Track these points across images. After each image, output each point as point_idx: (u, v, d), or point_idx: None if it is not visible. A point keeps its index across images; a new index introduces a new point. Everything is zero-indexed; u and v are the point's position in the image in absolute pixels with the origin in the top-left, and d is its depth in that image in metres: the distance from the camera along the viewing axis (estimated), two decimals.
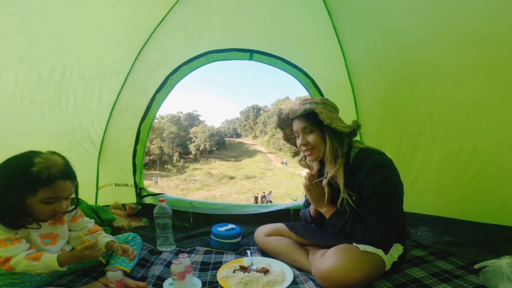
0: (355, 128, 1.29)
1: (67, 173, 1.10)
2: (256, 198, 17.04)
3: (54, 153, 1.12)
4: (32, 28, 1.50)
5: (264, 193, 19.06)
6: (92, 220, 1.37)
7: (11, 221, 1.05)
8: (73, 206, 1.23)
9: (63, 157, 1.13)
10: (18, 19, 1.42)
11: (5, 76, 1.58)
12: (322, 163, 1.44)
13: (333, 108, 1.37)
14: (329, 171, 1.32)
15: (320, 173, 1.45)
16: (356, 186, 1.25)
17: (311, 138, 1.32)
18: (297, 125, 1.36)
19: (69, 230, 1.28)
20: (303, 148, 1.36)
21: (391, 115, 1.87)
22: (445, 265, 1.37)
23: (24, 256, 1.03)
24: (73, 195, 1.17)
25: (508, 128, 1.33)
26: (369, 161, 1.24)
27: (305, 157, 1.45)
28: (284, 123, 1.48)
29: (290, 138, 1.53)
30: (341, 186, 1.28)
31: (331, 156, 1.29)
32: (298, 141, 1.38)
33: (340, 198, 1.30)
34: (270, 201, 16.45)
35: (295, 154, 35.69)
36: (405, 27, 1.63)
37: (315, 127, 1.30)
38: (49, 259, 1.05)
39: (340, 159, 1.29)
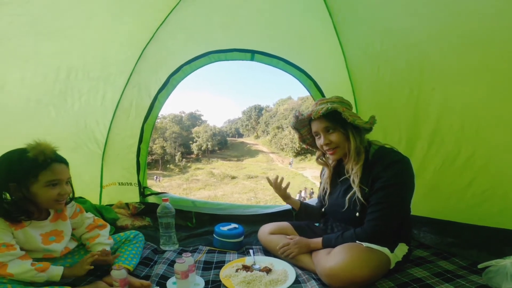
0: (374, 123, 1.30)
1: (59, 156, 1.14)
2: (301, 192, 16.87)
3: (40, 141, 1.11)
4: (38, 29, 1.51)
5: (305, 188, 18.37)
6: (91, 216, 1.36)
7: (16, 215, 1.05)
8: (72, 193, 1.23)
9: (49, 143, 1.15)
10: (24, 20, 1.44)
11: (12, 77, 1.60)
12: (338, 161, 1.45)
13: (349, 106, 1.36)
14: (353, 168, 1.31)
15: (336, 171, 1.47)
16: (371, 179, 1.26)
17: (334, 137, 1.31)
18: (317, 125, 1.34)
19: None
20: (326, 147, 1.35)
21: (390, 118, 1.86)
22: (447, 265, 1.38)
23: (29, 265, 1.02)
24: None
25: (506, 132, 1.32)
26: (389, 156, 1.26)
27: (323, 155, 1.47)
28: (301, 124, 1.45)
29: (305, 139, 1.51)
30: (356, 181, 1.28)
31: (355, 153, 1.30)
32: (319, 141, 1.36)
33: (351, 192, 1.31)
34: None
35: (297, 154, 35.67)
36: (404, 29, 1.62)
37: (338, 126, 1.30)
38: (54, 272, 1.07)
39: (362, 155, 1.30)
